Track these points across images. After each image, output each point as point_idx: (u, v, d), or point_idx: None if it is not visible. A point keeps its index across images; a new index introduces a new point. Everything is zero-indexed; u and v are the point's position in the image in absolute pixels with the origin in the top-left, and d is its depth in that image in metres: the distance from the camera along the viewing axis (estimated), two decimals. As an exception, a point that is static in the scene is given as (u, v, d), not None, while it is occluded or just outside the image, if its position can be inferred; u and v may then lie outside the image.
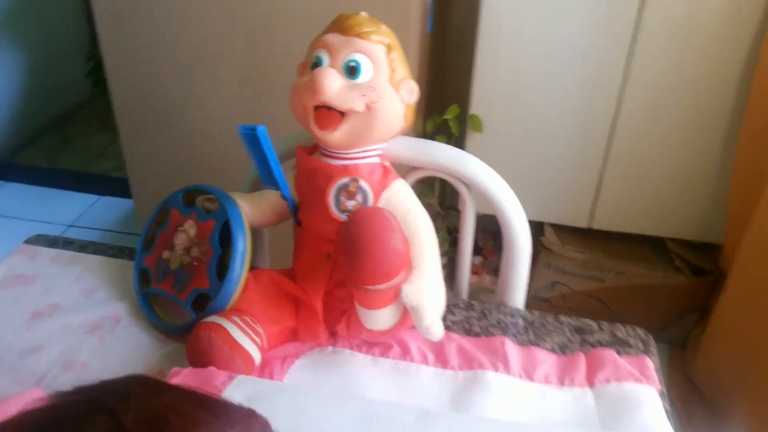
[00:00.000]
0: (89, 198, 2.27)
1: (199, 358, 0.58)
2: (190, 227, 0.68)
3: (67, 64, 2.68)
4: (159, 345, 0.66)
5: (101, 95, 1.40)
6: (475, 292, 1.80)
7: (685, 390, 1.64)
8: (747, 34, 1.37)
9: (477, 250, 1.90)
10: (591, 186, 1.63)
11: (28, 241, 0.81)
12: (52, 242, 0.81)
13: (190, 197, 0.71)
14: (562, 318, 0.74)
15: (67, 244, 0.81)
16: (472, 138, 1.60)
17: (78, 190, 2.31)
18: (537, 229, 1.74)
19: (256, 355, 0.60)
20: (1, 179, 2.39)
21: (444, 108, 1.58)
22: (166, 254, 0.69)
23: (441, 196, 1.63)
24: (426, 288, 0.59)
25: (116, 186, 2.24)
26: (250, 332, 0.60)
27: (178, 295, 0.66)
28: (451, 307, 0.74)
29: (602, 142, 1.56)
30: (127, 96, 1.39)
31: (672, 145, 1.53)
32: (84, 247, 0.81)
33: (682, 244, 1.69)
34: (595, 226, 1.68)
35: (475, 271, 1.87)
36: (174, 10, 1.27)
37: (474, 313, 0.74)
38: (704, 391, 1.53)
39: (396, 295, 0.59)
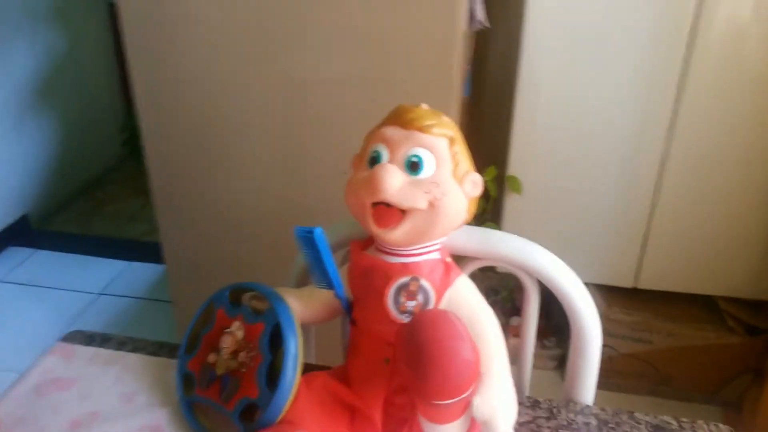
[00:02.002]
0: (120, 264, 2.26)
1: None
2: (237, 329, 0.63)
3: (99, 128, 2.71)
4: (205, 458, 0.62)
5: (133, 160, 1.40)
6: (516, 353, 1.73)
7: (745, 456, 1.54)
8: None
9: (517, 310, 1.84)
10: (636, 244, 1.57)
11: (65, 339, 0.78)
12: (90, 339, 0.78)
13: (236, 295, 0.67)
14: (638, 416, 0.68)
15: (104, 341, 0.77)
16: (510, 199, 1.57)
17: (108, 256, 2.30)
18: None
19: (313, 477, 0.55)
20: (32, 246, 2.39)
21: (481, 170, 1.55)
22: (211, 358, 0.64)
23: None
24: (499, 399, 0.54)
25: (147, 251, 2.23)
26: (305, 451, 0.55)
27: (225, 405, 0.61)
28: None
29: (647, 198, 1.51)
30: (162, 164, 1.38)
31: (720, 199, 1.48)
32: (122, 344, 0.77)
33: (734, 302, 1.62)
34: (641, 285, 1.62)
35: (514, 332, 1.81)
36: (212, 82, 1.26)
37: (541, 412, 0.68)
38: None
39: (465, 407, 0.54)
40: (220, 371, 0.63)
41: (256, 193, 1.36)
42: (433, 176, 0.57)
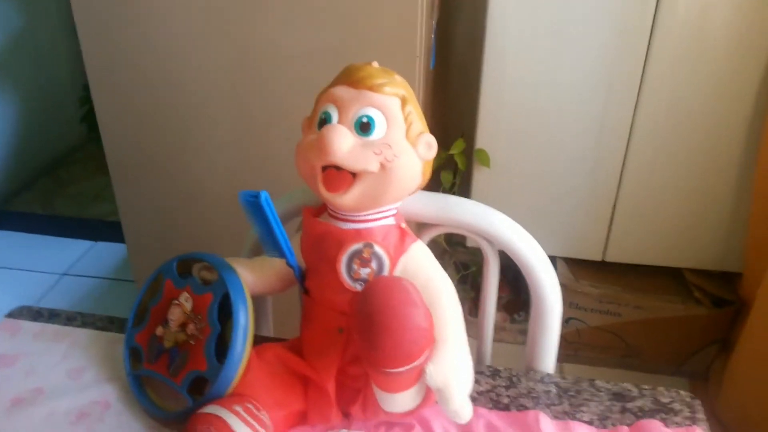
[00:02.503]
0: (84, 244, 2.20)
1: (198, 457, 0.51)
2: (185, 300, 0.61)
3: (61, 109, 2.64)
4: (154, 434, 0.59)
5: (96, 139, 1.36)
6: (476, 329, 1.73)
7: (710, 425, 1.56)
8: (760, 58, 1.32)
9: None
10: (604, 218, 1.57)
11: (11, 315, 0.75)
12: (37, 315, 0.75)
13: (185, 266, 0.64)
14: (598, 383, 0.67)
15: (52, 316, 0.74)
16: (479, 172, 1.55)
17: (73, 236, 2.24)
18: (549, 263, 1.67)
19: (262, 449, 0.53)
20: (-6, 227, 2.33)
21: (449, 143, 1.53)
22: (159, 330, 0.62)
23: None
24: (453, 367, 0.52)
25: (112, 231, 2.18)
26: (255, 423, 0.53)
27: (173, 379, 0.59)
28: (475, 375, 0.67)
29: (615, 171, 1.50)
30: (119, 142, 1.34)
31: (686, 172, 1.48)
32: (71, 319, 0.74)
33: (700, 274, 1.63)
34: (610, 258, 1.62)
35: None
36: (166, 56, 1.22)
37: (501, 381, 0.67)
38: (730, 426, 1.46)
39: (419, 375, 0.52)
40: (168, 344, 0.61)
41: (216, 169, 1.32)
42: (385, 137, 0.54)
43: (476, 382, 0.66)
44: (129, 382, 0.63)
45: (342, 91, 0.56)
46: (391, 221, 0.59)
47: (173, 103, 1.27)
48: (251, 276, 0.63)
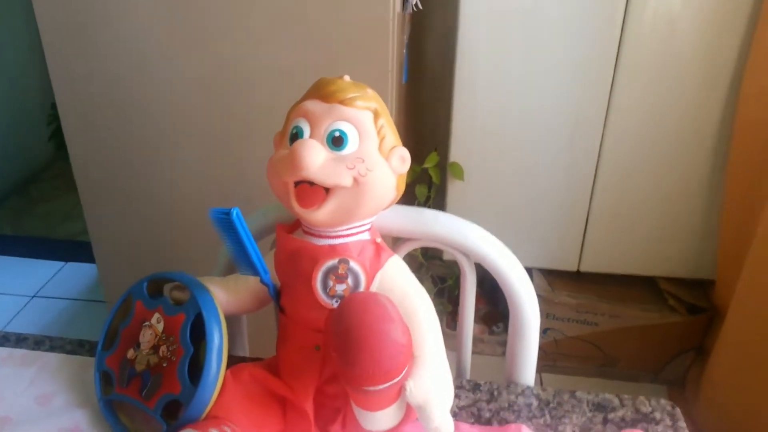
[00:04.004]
0: (55, 265, 2.16)
1: (173, 483, 0.50)
2: (156, 322, 0.59)
3: (30, 127, 2.60)
4: (127, 461, 0.58)
5: (65, 157, 1.33)
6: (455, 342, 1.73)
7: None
8: (727, 66, 1.35)
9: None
10: (578, 228, 1.58)
11: (-26, 340, 0.72)
12: (3, 339, 0.72)
13: (156, 286, 0.63)
14: (579, 394, 0.67)
15: (20, 341, 0.72)
16: (453, 186, 1.55)
17: (42, 257, 2.20)
18: (525, 274, 1.68)
19: (239, 474, 0.52)
20: (-39, 250, 2.27)
21: (423, 157, 1.53)
22: (130, 353, 0.60)
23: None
24: (433, 382, 0.51)
25: (83, 251, 2.14)
26: (232, 446, 0.52)
27: (146, 403, 0.57)
28: (455, 390, 0.66)
29: (587, 183, 1.52)
30: (87, 160, 1.32)
31: (657, 182, 1.50)
32: (39, 343, 0.72)
33: (674, 282, 1.65)
34: (585, 269, 1.64)
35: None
36: (135, 72, 1.20)
37: (482, 395, 0.66)
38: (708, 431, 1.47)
39: (399, 392, 0.51)
40: (139, 367, 0.59)
41: (188, 186, 1.30)
42: (358, 151, 0.54)
43: (457, 396, 0.66)
44: (100, 407, 0.61)
45: (313, 105, 0.55)
46: (366, 236, 0.58)
47: (143, 120, 1.25)
48: (225, 295, 0.61)
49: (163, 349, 0.58)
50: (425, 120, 1.77)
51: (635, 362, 1.69)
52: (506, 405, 0.65)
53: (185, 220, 1.33)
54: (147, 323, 0.60)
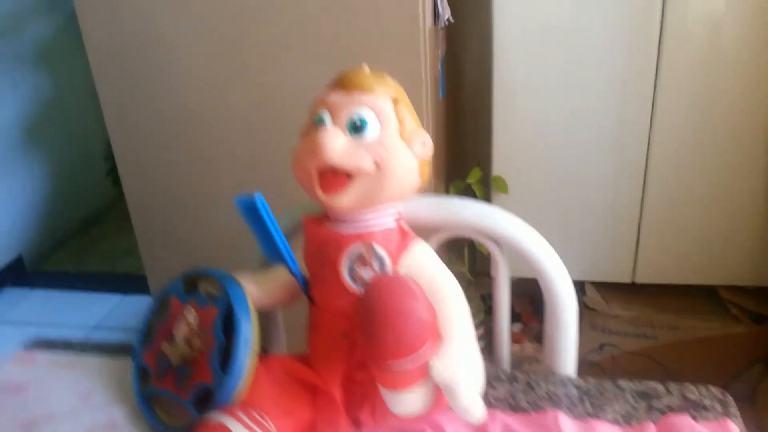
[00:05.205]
0: (114, 298, 2.23)
1: (202, 466, 0.50)
2: (190, 316, 0.61)
3: (91, 168, 2.71)
4: (162, 451, 0.58)
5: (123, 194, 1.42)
6: (517, 361, 1.69)
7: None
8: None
9: (515, 316, 1.80)
10: (630, 237, 1.53)
11: (26, 347, 0.75)
12: (51, 346, 0.75)
13: (191, 283, 0.64)
14: (622, 383, 0.64)
15: (66, 346, 0.75)
16: (498, 200, 1.54)
17: (103, 291, 2.27)
18: (577, 289, 1.63)
19: (266, 455, 0.52)
20: (28, 286, 2.37)
21: (466, 173, 1.53)
22: (165, 347, 0.61)
23: (471, 263, 1.55)
24: (459, 362, 0.51)
25: (141, 284, 2.20)
26: (258, 429, 0.52)
27: (180, 393, 0.58)
28: (491, 381, 0.65)
29: (636, 189, 1.48)
30: (141, 194, 1.38)
31: (712, 185, 1.44)
32: (84, 348, 0.74)
33: (735, 290, 1.57)
34: (639, 280, 1.58)
35: (515, 339, 1.76)
36: (184, 105, 1.26)
37: (519, 385, 0.64)
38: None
39: (424, 372, 0.50)
40: (174, 360, 0.61)
41: (235, 214, 1.33)
42: (379, 137, 0.55)
43: (492, 387, 0.64)
44: (137, 402, 0.63)
45: (334, 96, 0.56)
46: (391, 223, 0.58)
47: (194, 152, 1.30)
48: (256, 289, 0.62)
49: (196, 341, 0.60)
50: (467, 135, 1.77)
51: (699, 377, 1.59)
52: (544, 395, 0.63)
53: (238, 250, 1.36)
54: (181, 318, 0.61)
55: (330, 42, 1.15)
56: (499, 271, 0.68)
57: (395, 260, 0.56)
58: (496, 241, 0.65)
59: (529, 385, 0.65)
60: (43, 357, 0.73)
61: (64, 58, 2.56)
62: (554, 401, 0.62)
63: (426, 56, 1.14)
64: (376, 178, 0.55)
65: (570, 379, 0.65)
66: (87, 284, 2.31)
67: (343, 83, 0.57)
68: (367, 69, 0.59)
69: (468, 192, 1.54)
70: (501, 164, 1.50)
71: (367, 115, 0.55)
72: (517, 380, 0.65)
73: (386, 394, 0.53)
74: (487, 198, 1.56)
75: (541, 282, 0.63)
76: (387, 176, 0.55)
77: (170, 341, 0.62)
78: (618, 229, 1.52)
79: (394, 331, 0.48)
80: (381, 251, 0.56)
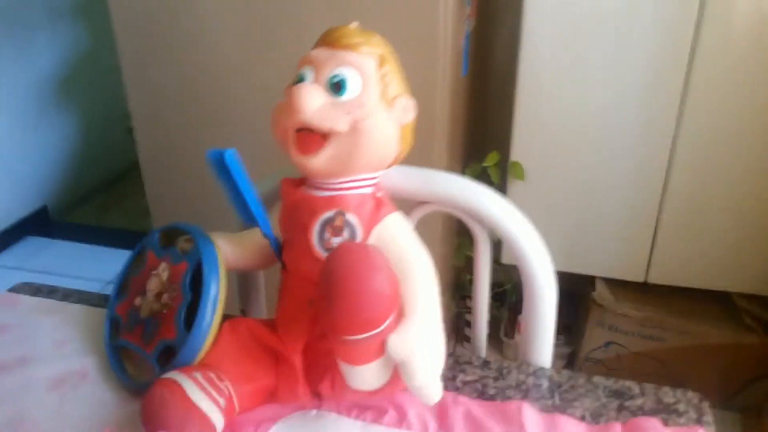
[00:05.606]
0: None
1: (151, 421, 0.50)
2: (163, 270, 0.60)
3: (120, 125, 2.74)
4: (124, 404, 0.58)
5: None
6: (516, 352, 1.67)
7: (766, 467, 1.45)
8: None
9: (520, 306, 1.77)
10: (646, 236, 1.49)
11: (12, 289, 0.76)
12: (36, 291, 0.76)
13: (169, 237, 0.64)
14: (597, 379, 0.62)
15: (50, 292, 0.75)
16: (514, 186, 1.51)
17: (121, 247, 2.31)
18: (587, 283, 1.60)
19: (218, 419, 0.51)
20: (50, 236, 2.42)
21: (484, 155, 1.50)
22: (137, 301, 0.62)
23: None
24: (418, 339, 0.49)
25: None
26: (213, 391, 0.52)
27: (145, 348, 0.58)
28: (464, 365, 0.64)
29: (657, 187, 1.43)
30: (154, 152, 1.41)
31: (735, 190, 1.39)
32: (67, 295, 0.75)
33: (751, 299, 1.53)
34: (652, 280, 1.54)
35: (520, 329, 1.74)
36: (204, 75, 1.27)
37: (490, 371, 0.63)
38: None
39: (381, 347, 0.49)
40: (144, 314, 0.61)
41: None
42: (358, 97, 0.53)
43: (463, 372, 0.63)
44: (107, 352, 0.63)
45: (318, 52, 0.55)
46: (367, 191, 0.56)
47: (210, 116, 1.31)
48: (231, 248, 0.62)
49: (165, 296, 0.59)
50: (489, 116, 1.74)
51: (705, 384, 1.57)
52: (514, 384, 0.61)
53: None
54: (154, 272, 0.61)
55: (352, 15, 1.13)
56: (480, 252, 0.66)
57: (368, 229, 0.55)
58: (479, 221, 0.63)
59: (500, 372, 0.63)
60: (28, 301, 0.74)
61: (102, 14, 2.58)
62: (523, 391, 0.60)
63: (446, 30, 1.12)
64: (351, 140, 0.53)
65: (543, 371, 0.63)
66: (106, 239, 2.36)
67: (329, 40, 0.55)
68: (354, 26, 0.57)
69: (484, 176, 1.51)
70: (520, 150, 1.47)
71: (349, 73, 0.53)
72: (489, 366, 0.64)
73: (344, 367, 0.52)
74: (502, 183, 1.53)
75: (521, 269, 0.61)
76: (362, 138, 0.53)
77: (142, 294, 0.62)
78: (634, 227, 1.48)
79: (352, 302, 0.46)
80: (352, 218, 0.55)
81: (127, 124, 2.57)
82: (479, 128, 1.71)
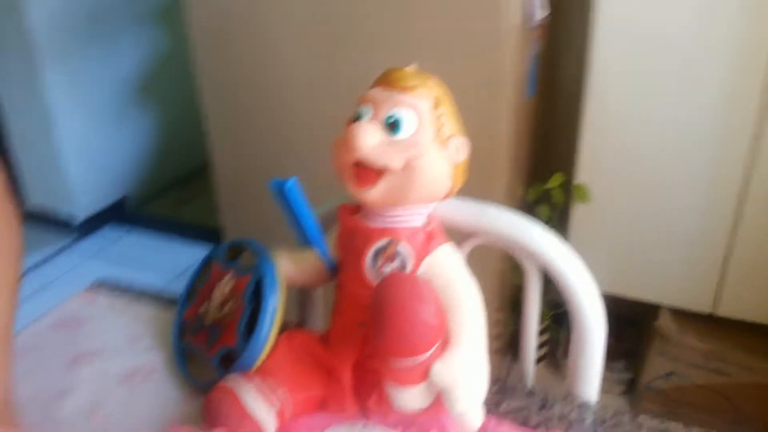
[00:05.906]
0: (203, 250, 2.36)
1: (210, 421, 0.55)
2: (227, 282, 0.65)
3: (199, 123, 2.86)
4: (188, 401, 0.63)
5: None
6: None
7: None
8: None
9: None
10: (714, 266, 1.45)
11: (91, 287, 0.82)
12: (113, 288, 0.82)
13: (234, 252, 0.68)
14: (642, 419, 0.62)
15: (125, 291, 0.81)
16: (578, 209, 1.49)
17: (193, 240, 2.42)
18: (651, 312, 1.57)
19: (270, 423, 0.55)
20: (128, 226, 2.56)
21: (548, 176, 1.50)
22: (203, 308, 0.66)
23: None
24: (461, 368, 0.51)
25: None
26: (268, 398, 0.56)
27: (208, 352, 0.63)
28: (509, 392, 0.65)
29: (729, 215, 1.39)
30: (227, 159, 1.48)
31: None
32: (140, 296, 0.80)
33: (826, 340, 1.46)
34: (722, 313, 1.49)
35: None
36: (277, 94, 1.33)
37: (534, 401, 0.64)
38: None
39: (426, 373, 0.52)
40: (208, 320, 0.65)
41: (318, 186, 1.39)
42: (412, 137, 0.56)
43: (508, 399, 0.64)
44: (174, 352, 0.68)
45: (377, 93, 0.58)
46: (419, 223, 0.59)
47: (281, 132, 1.37)
48: (291, 266, 0.65)
49: (228, 306, 0.64)
50: (556, 137, 1.73)
51: (771, 424, 1.52)
52: (557, 415, 0.62)
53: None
54: (220, 283, 0.66)
55: (417, 42, 1.16)
56: (529, 286, 0.67)
57: (419, 259, 0.57)
58: (527, 256, 0.64)
59: (545, 402, 0.64)
60: (104, 299, 0.80)
61: (181, 22, 2.71)
62: (565, 424, 0.61)
63: (509, 56, 1.13)
64: (404, 177, 0.56)
65: (588, 405, 0.64)
66: (179, 232, 2.47)
67: (387, 80, 0.58)
68: (413, 68, 0.59)
69: (546, 197, 1.51)
70: (585, 171, 1.46)
71: (405, 113, 0.56)
72: (533, 396, 0.65)
73: (388, 387, 0.55)
74: (566, 206, 1.52)
75: (568, 305, 0.62)
76: (415, 176, 0.56)
77: (207, 302, 0.66)
78: (704, 257, 1.44)
79: (399, 330, 0.49)
80: (404, 249, 0.57)
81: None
82: (544, 149, 1.71)
